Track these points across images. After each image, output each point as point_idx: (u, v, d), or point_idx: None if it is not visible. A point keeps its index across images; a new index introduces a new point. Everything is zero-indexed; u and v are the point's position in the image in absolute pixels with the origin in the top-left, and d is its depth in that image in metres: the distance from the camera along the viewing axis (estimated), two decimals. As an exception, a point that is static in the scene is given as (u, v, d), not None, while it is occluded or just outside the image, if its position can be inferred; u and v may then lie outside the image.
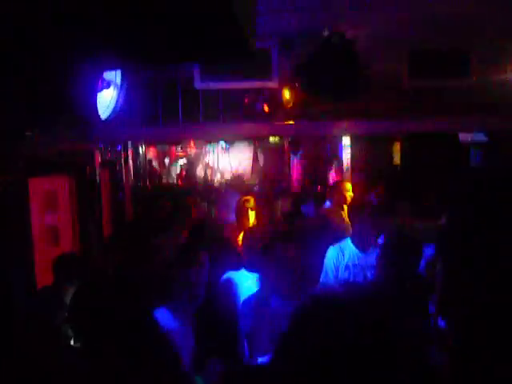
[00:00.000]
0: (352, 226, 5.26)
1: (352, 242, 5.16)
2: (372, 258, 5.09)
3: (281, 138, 13.70)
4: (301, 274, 3.66)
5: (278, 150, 14.92)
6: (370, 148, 11.95)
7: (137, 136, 5.61)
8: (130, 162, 10.45)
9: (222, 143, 14.75)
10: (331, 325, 1.48)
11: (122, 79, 4.75)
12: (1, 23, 1.77)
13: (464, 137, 9.00)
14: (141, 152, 12.46)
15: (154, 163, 14.13)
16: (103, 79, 4.71)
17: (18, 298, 3.88)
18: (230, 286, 4.18)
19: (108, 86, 4.67)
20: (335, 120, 5.10)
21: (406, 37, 4.75)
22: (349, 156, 12.25)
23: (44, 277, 4.60)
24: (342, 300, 1.60)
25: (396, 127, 5.79)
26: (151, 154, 13.88)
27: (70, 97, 4.12)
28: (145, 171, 12.67)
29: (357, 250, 5.11)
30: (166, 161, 15.07)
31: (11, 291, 3.21)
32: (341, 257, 5.08)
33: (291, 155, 14.31)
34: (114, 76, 4.75)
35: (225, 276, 4.56)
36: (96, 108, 4.54)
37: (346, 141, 12.19)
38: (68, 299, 4.29)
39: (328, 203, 7.59)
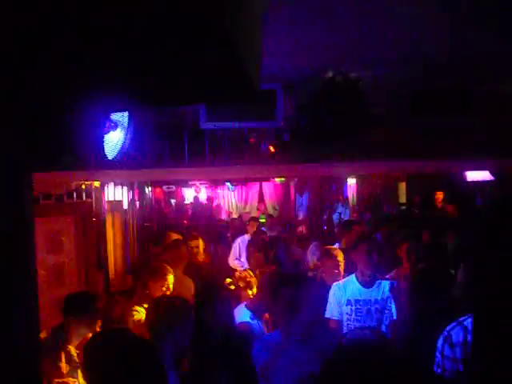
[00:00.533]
0: (357, 261, 5.27)
1: (356, 278, 5.22)
2: (375, 293, 5.12)
3: (286, 177, 13.79)
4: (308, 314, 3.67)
5: (284, 189, 15.02)
6: (375, 188, 12.00)
7: (143, 176, 5.63)
8: (137, 202, 10.52)
9: (228, 184, 14.82)
10: (363, 371, 1.51)
11: (129, 121, 4.79)
12: (1, 59, 1.80)
13: (472, 175, 8.98)
14: (147, 192, 12.55)
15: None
16: (110, 120, 4.76)
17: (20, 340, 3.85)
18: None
19: (115, 128, 4.72)
20: (338, 161, 5.12)
21: (407, 76, 4.81)
22: (354, 195, 12.33)
23: (46, 318, 4.58)
24: (370, 347, 1.62)
25: (399, 167, 5.81)
26: (157, 195, 13.96)
27: (76, 137, 4.16)
28: (152, 211, 12.73)
29: (360, 286, 5.16)
30: (173, 201, 15.13)
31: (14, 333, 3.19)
32: (342, 292, 5.15)
33: (297, 196, 14.41)
34: (121, 117, 4.80)
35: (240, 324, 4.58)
36: (103, 149, 4.58)
37: (352, 181, 12.29)
38: (76, 339, 4.26)
39: (337, 244, 7.61)
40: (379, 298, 5.12)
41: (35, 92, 3.09)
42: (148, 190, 12.70)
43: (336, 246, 7.52)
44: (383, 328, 5.02)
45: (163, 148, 5.01)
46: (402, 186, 12.13)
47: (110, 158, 4.87)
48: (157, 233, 11.07)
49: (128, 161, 4.85)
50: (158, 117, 5.02)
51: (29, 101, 3.16)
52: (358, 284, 5.21)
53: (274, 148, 5.07)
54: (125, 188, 9.13)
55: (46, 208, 6.06)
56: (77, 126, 4.03)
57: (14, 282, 2.44)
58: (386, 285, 5.14)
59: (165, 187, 13.85)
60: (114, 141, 4.87)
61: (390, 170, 5.67)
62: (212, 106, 4.77)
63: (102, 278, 7.36)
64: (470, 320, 3.33)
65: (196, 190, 14.85)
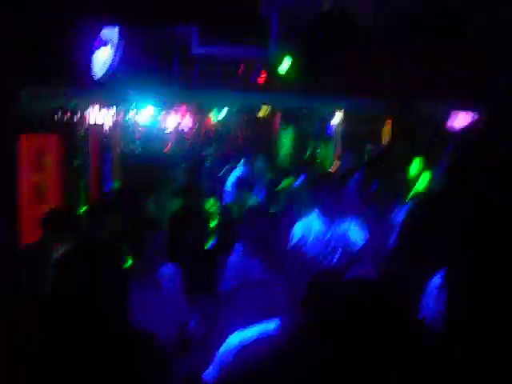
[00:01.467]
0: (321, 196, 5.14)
1: (320, 213, 5.11)
2: (340, 228, 5.09)
3: (272, 110, 13.65)
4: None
5: (267, 123, 14.89)
6: (361, 128, 11.96)
7: (131, 96, 5.54)
8: (119, 124, 10.38)
9: (215, 111, 14.62)
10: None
11: (120, 39, 4.68)
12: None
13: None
14: (131, 116, 12.36)
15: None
16: (100, 38, 4.64)
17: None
18: None
19: (105, 45, 4.61)
20: (333, 94, 5.07)
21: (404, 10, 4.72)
22: (339, 134, 12.30)
23: (28, 235, 4.58)
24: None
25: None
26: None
27: (66, 53, 4.06)
28: (134, 135, 12.60)
29: (325, 221, 5.09)
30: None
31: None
32: (308, 229, 5.08)
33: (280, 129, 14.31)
34: (111, 35, 4.68)
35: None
36: (91, 66, 4.48)
37: (338, 119, 12.22)
38: (55, 255, 4.28)
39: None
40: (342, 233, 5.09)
41: (31, 10, 2.99)
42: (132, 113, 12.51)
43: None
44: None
45: (152, 68, 4.92)
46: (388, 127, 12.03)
47: (98, 76, 4.77)
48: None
49: (116, 79, 4.76)
50: (149, 37, 4.90)
51: (24, 19, 3.06)
52: (322, 219, 5.14)
53: (266, 75, 5.00)
54: (109, 110, 8.98)
55: (30, 125, 5.96)
56: (68, 43, 3.92)
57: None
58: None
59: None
60: (102, 58, 4.76)
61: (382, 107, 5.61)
62: (209, 27, 4.66)
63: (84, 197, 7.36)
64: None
65: (181, 117, 14.61)
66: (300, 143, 13.44)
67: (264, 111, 13.69)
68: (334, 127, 12.60)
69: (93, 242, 3.00)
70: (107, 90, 5.05)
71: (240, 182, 6.65)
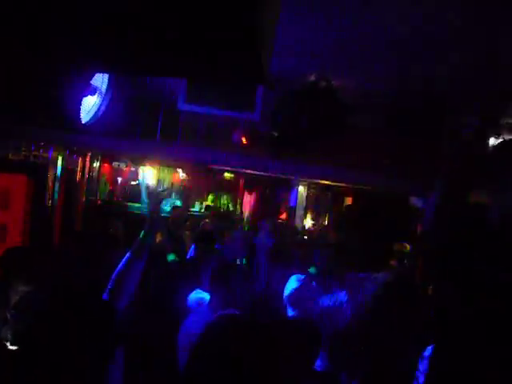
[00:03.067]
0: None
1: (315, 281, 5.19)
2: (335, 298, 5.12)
3: (236, 174, 13.83)
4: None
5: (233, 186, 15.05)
6: (324, 199, 12.22)
7: (112, 147, 5.53)
8: (86, 174, 10.33)
9: (180, 171, 14.69)
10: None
11: (108, 87, 4.75)
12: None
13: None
14: (95, 166, 12.32)
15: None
16: (90, 85, 4.71)
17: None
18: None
19: (93, 93, 4.67)
20: (309, 164, 5.20)
21: (386, 92, 4.94)
22: (304, 204, 12.51)
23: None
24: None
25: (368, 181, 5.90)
26: (105, 170, 13.71)
27: (55, 96, 4.11)
28: (97, 185, 12.50)
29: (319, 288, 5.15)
30: (119, 179, 14.87)
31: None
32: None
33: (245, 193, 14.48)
34: (100, 83, 4.76)
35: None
36: (79, 112, 4.53)
37: (302, 188, 12.47)
38: (13, 296, 4.15)
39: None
40: None
41: (20, 51, 3.04)
42: (96, 164, 12.48)
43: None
44: None
45: (136, 121, 4.98)
46: (348, 201, 12.33)
47: (83, 121, 4.81)
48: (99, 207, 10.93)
49: (100, 128, 4.80)
50: (137, 90, 4.98)
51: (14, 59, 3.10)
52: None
53: (247, 140, 5.11)
54: (79, 158, 8.95)
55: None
56: (58, 87, 3.97)
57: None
58: None
59: (115, 163, 13.60)
60: (90, 105, 4.82)
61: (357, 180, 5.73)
62: (194, 85, 4.75)
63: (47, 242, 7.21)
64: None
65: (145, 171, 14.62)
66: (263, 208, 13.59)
67: (230, 174, 13.86)
68: (297, 195, 12.85)
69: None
70: (92, 137, 5.07)
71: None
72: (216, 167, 7.31)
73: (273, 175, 8.34)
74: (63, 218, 7.89)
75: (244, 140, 5.12)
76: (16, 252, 4.40)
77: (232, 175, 14.43)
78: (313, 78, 4.90)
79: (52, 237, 7.36)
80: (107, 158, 12.67)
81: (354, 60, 4.46)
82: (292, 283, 5.05)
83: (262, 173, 5.33)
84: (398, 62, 4.32)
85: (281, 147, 4.93)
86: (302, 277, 5.09)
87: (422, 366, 3.43)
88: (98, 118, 4.78)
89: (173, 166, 13.76)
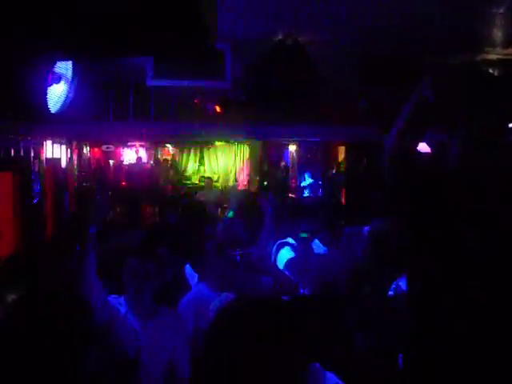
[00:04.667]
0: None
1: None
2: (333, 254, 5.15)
3: (228, 141, 13.80)
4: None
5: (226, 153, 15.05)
6: (316, 154, 12.17)
7: (87, 132, 5.50)
8: (75, 160, 10.31)
9: (169, 146, 14.68)
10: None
11: (73, 74, 4.66)
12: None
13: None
14: (85, 151, 12.31)
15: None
16: (54, 73, 4.61)
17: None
18: None
19: (59, 81, 4.57)
20: (285, 125, 5.15)
21: (357, 43, 4.86)
22: (295, 160, 12.49)
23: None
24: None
25: (343, 134, 5.88)
26: (95, 154, 13.70)
27: (19, 89, 4.03)
28: (89, 171, 12.51)
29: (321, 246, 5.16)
30: (111, 162, 14.87)
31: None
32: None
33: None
34: (65, 70, 4.65)
35: None
36: (46, 102, 4.44)
37: (292, 147, 12.43)
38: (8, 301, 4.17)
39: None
40: None
41: None
42: (86, 149, 12.46)
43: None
44: None
45: (108, 104, 4.92)
46: (342, 151, 12.21)
47: (52, 111, 4.73)
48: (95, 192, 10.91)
49: (71, 115, 4.73)
50: (103, 72, 4.90)
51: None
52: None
53: (221, 108, 5.05)
54: (63, 146, 8.91)
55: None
56: (20, 77, 3.90)
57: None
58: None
59: (104, 147, 13.60)
60: (57, 94, 4.73)
61: (333, 135, 5.70)
62: (161, 60, 4.68)
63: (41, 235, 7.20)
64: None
65: (136, 151, 14.63)
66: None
67: (221, 141, 13.84)
68: (289, 154, 12.84)
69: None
70: (62, 125, 5.02)
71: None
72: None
73: (255, 139, 8.31)
74: (55, 208, 7.88)
75: (218, 109, 5.06)
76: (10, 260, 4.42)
77: (222, 143, 14.41)
78: (279, 37, 4.81)
79: (45, 229, 7.36)
80: (95, 143, 12.67)
81: (318, 14, 4.37)
82: (286, 253, 5.06)
83: (242, 138, 5.28)
84: (361, 7, 4.23)
85: (255, 111, 4.87)
86: (294, 244, 5.07)
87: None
88: (68, 106, 4.69)
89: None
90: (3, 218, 6.57)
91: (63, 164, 8.96)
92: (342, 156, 11.81)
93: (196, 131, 4.85)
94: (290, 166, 12.88)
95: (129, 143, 13.78)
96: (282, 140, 10.84)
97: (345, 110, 4.91)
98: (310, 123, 4.92)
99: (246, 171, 14.35)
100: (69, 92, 4.81)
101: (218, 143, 14.40)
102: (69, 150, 9.40)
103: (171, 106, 5.01)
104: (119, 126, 5.15)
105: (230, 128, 5.13)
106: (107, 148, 13.73)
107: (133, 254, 3.53)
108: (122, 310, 3.50)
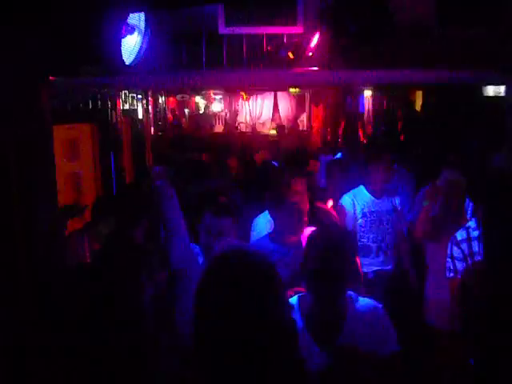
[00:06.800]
0: (371, 170, 5.14)
1: (365, 189, 5.13)
2: (387, 204, 5.08)
3: (302, 88, 13.57)
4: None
5: (299, 100, 14.82)
6: (392, 100, 11.82)
7: (162, 81, 5.53)
8: (151, 110, 10.46)
9: (243, 94, 14.61)
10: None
11: (146, 24, 4.67)
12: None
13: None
14: (161, 101, 12.45)
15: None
16: (127, 24, 4.63)
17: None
18: None
19: (132, 32, 4.60)
20: (360, 69, 4.99)
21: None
22: (370, 108, 12.17)
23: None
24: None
25: (422, 77, 5.65)
26: (171, 104, 13.82)
27: (94, 42, 4.08)
28: (165, 121, 12.68)
29: (372, 196, 5.10)
30: (186, 111, 14.99)
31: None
32: (356, 203, 5.07)
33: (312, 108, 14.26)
34: (137, 21, 4.67)
35: None
36: (120, 53, 4.48)
37: (368, 93, 12.10)
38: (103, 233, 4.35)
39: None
40: (389, 209, 5.11)
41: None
42: (162, 99, 12.59)
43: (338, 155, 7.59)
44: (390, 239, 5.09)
45: (181, 54, 4.92)
46: (419, 98, 11.82)
47: (127, 62, 4.78)
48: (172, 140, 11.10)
49: (146, 66, 4.78)
50: (176, 22, 4.89)
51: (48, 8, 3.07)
52: (369, 195, 5.15)
53: (293, 55, 4.94)
54: (139, 97, 9.06)
55: (62, 115, 6.03)
56: (94, 31, 3.94)
57: (36, 188, 2.48)
58: (394, 196, 5.17)
59: (179, 96, 13.69)
60: (131, 45, 4.77)
61: (412, 79, 5.49)
62: (232, 7, 4.63)
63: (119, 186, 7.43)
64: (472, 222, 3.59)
65: (210, 100, 14.66)
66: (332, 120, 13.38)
67: (295, 89, 13.63)
68: (365, 102, 12.52)
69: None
70: (138, 76, 5.07)
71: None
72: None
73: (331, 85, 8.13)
74: (133, 159, 8.08)
75: (291, 55, 4.96)
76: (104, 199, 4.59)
77: (297, 90, 14.21)
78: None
79: (124, 179, 7.57)
80: (171, 92, 12.75)
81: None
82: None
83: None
84: None
85: (332, 56, 4.74)
86: None
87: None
88: (142, 57, 4.72)
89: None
90: (85, 167, 6.82)
91: (140, 115, 9.13)
92: (419, 101, 11.45)
93: (269, 78, 4.78)
94: (365, 112, 12.58)
95: (203, 92, 13.77)
96: (360, 86, 10.53)
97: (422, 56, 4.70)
98: (384, 68, 4.76)
99: (319, 119, 14.17)
100: (142, 43, 4.84)
101: (291, 90, 14.19)
102: (144, 101, 9.54)
103: (243, 54, 4.96)
104: (194, 74, 5.15)
105: (303, 75, 5.03)
106: (182, 97, 13.81)
107: (210, 207, 3.56)
108: (200, 259, 3.56)
